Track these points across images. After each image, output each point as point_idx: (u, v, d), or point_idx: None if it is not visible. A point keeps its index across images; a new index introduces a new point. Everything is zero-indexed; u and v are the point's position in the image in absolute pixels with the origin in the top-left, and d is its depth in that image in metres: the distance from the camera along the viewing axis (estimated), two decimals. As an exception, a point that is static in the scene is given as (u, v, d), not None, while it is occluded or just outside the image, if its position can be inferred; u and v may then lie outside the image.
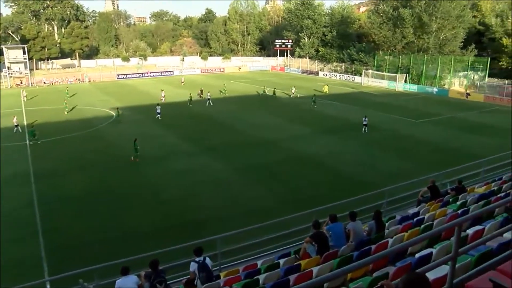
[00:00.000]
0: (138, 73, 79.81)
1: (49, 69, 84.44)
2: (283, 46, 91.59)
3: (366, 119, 34.13)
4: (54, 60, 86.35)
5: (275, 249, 12.59)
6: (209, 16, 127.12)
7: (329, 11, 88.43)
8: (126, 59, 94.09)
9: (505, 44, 57.54)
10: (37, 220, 18.39)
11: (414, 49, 66.48)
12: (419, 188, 15.53)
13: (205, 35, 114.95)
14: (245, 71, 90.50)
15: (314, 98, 46.20)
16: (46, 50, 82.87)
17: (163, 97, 49.38)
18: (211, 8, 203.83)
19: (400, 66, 64.25)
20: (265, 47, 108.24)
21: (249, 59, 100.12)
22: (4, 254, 15.03)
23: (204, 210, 19.46)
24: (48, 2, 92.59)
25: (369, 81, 66.00)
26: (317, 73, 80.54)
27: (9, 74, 67.80)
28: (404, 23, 64.71)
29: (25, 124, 36.52)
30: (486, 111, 44.31)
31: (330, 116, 40.80)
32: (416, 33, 65.60)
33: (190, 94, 47.79)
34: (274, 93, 53.13)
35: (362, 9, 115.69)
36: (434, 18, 61.95)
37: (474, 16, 66.90)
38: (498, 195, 12.58)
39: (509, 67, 58.08)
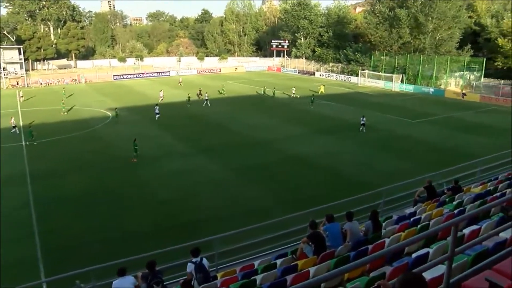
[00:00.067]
0: (134, 74, 79.71)
1: (45, 69, 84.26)
2: (280, 46, 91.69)
3: (364, 118, 34.22)
4: (50, 61, 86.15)
5: (272, 250, 12.58)
6: (205, 16, 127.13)
7: (326, 12, 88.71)
8: (122, 59, 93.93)
9: (500, 44, 57.77)
10: (34, 221, 18.32)
11: (410, 49, 66.65)
12: (416, 188, 15.55)
13: (202, 36, 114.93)
14: (241, 71, 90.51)
15: (313, 98, 46.54)
16: (42, 50, 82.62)
17: (162, 97, 49.37)
18: (208, 8, 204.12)
19: (396, 66, 64.42)
20: (261, 48, 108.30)
21: (246, 59, 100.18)
22: (0, 255, 14.98)
23: (202, 211, 19.44)
24: (44, 2, 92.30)
25: (366, 81, 66.13)
26: (314, 74, 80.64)
27: (4, 75, 67.52)
28: (400, 24, 64.88)
29: (21, 125, 36.38)
30: (482, 111, 44.48)
31: (327, 117, 40.85)
32: (412, 33, 65.78)
33: (188, 94, 47.76)
34: (273, 93, 53.36)
35: (359, 9, 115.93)
36: (430, 18, 62.12)
37: (470, 17, 67.15)
38: (494, 195, 12.62)
39: (505, 67, 58.33)
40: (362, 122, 34.08)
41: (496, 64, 59.44)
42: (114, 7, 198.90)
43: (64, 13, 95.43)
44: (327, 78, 75.80)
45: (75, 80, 73.08)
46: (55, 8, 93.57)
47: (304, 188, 22.01)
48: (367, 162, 26.24)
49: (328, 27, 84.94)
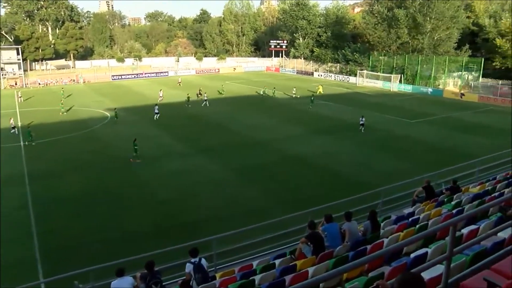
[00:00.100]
0: (133, 74, 79.62)
1: (43, 70, 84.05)
2: (278, 46, 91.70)
3: (363, 118, 34.26)
4: (48, 61, 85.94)
5: (270, 250, 12.59)
6: (204, 16, 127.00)
7: (324, 12, 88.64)
8: (121, 60, 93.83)
9: (498, 44, 57.83)
10: (32, 222, 18.30)
11: (409, 49, 66.71)
12: (414, 188, 15.58)
13: (200, 36, 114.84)
14: (240, 71, 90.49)
15: (312, 99, 46.71)
16: (40, 51, 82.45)
17: (161, 96, 49.36)
18: (206, 8, 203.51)
19: (394, 66, 64.47)
20: (260, 48, 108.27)
21: (244, 59, 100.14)
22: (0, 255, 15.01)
23: (201, 211, 19.45)
24: (42, 2, 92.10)
25: (364, 81, 66.16)
26: (312, 74, 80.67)
27: (2, 75, 67.41)
28: (398, 24, 64.93)
29: (20, 125, 36.31)
30: (480, 111, 44.55)
31: (326, 117, 40.88)
32: (411, 33, 65.84)
33: (188, 94, 47.76)
34: (273, 93, 53.57)
35: (357, 9, 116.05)
36: (428, 18, 62.19)
37: (468, 17, 67.22)
38: (492, 195, 12.65)
39: (503, 68, 58.40)
40: (361, 122, 34.13)
41: (494, 64, 59.51)
42: (112, 7, 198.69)
43: (62, 13, 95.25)
44: (326, 78, 75.83)
45: (74, 80, 72.98)
46: (53, 8, 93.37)
47: (303, 188, 22.02)
48: (366, 162, 26.26)
49: (327, 27, 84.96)
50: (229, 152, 28.99)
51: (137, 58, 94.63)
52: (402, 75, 62.45)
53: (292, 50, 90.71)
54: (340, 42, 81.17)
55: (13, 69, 69.98)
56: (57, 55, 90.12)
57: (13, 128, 34.28)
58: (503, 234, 6.68)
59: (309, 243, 9.80)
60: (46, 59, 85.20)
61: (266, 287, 7.84)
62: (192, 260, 9.27)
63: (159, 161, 26.79)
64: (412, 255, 7.80)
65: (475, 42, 65.88)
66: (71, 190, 21.95)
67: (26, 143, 30.80)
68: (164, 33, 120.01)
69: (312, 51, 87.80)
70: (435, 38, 64.16)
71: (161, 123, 37.78)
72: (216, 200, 20.63)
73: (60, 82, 70.67)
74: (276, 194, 21.44)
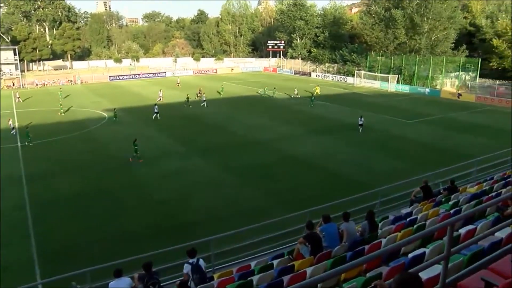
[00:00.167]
0: (130, 75, 79.53)
1: (40, 70, 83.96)
2: (276, 47, 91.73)
3: (362, 119, 34.31)
4: (45, 62, 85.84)
5: (268, 250, 12.60)
6: (201, 17, 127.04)
7: (321, 12, 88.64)
8: (118, 60, 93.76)
9: (495, 45, 58.02)
10: (29, 222, 18.25)
11: (406, 49, 66.83)
12: (412, 188, 15.62)
13: (198, 36, 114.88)
14: (237, 72, 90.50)
15: (312, 99, 46.99)
16: (37, 51, 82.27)
17: (161, 96, 49.38)
18: (204, 9, 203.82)
19: (392, 66, 64.56)
20: (257, 48, 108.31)
21: (242, 60, 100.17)
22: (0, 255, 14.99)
23: (200, 211, 19.43)
24: (39, 3, 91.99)
25: (362, 81, 66.25)
26: (310, 74, 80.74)
27: (0, 75, 67.24)
28: (396, 24, 65.04)
29: (17, 126, 36.19)
30: (477, 111, 44.66)
31: (324, 117, 40.91)
32: (408, 34, 65.97)
33: (187, 95, 47.73)
34: (273, 93, 53.76)
35: (354, 10, 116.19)
36: (425, 19, 62.33)
37: (465, 17, 67.44)
38: (490, 195, 12.69)
39: (500, 68, 58.59)
40: (360, 123, 34.19)
41: (491, 64, 59.68)
42: (109, 8, 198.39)
43: (59, 13, 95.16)
44: (323, 78, 75.89)
45: (71, 81, 72.86)
46: (50, 9, 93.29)
47: (302, 188, 22.01)
48: (364, 162, 26.28)
49: (324, 27, 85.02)
50: (229, 152, 28.98)
51: (135, 59, 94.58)
52: (399, 75, 62.57)
53: (290, 50, 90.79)
54: (338, 42, 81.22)
55: (10, 69, 69.79)
56: (55, 56, 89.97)
57: (13, 129, 34.25)
58: (500, 234, 6.70)
59: (307, 244, 9.81)
60: (43, 60, 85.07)
61: (264, 287, 7.84)
62: (190, 260, 9.27)
63: (158, 161, 26.76)
64: (410, 255, 7.82)
65: (472, 42, 66.06)
66: (69, 191, 21.89)
67: (26, 143, 30.72)
68: (162, 34, 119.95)
69: (309, 52, 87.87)
70: (433, 38, 64.32)
71: (160, 123, 37.78)
72: (215, 200, 20.61)
73: (57, 82, 70.50)
74: (276, 194, 21.43)
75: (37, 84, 68.80)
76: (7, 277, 13.83)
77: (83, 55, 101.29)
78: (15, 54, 70.65)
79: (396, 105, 48.04)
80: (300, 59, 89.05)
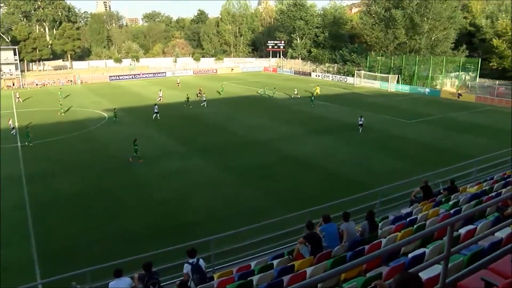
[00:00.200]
0: (130, 75, 79.54)
1: (40, 70, 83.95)
2: (276, 47, 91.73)
3: (362, 119, 34.33)
4: (45, 62, 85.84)
5: (268, 250, 12.60)
6: (201, 17, 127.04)
7: (321, 12, 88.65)
8: (118, 60, 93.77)
9: (495, 45, 58.02)
10: (29, 222, 18.25)
11: (406, 49, 66.83)
12: (412, 188, 15.61)
13: (198, 36, 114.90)
14: (237, 72, 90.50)
15: (312, 99, 47.14)
16: (37, 51, 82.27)
17: (161, 96, 49.42)
18: (204, 9, 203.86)
19: (392, 66, 64.56)
20: (257, 48, 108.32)
21: (242, 60, 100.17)
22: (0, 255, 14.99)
23: (200, 211, 19.43)
24: (39, 3, 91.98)
25: (362, 81, 66.25)
26: (310, 74, 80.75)
27: (0, 75, 67.24)
28: (396, 24, 65.05)
29: (17, 126, 36.18)
30: (477, 111, 44.67)
31: (324, 117, 40.91)
32: (408, 34, 65.97)
33: (187, 95, 47.73)
34: (273, 94, 53.90)
35: (354, 10, 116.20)
36: (425, 19, 62.33)
37: (465, 17, 67.46)
38: (490, 195, 12.69)
39: (500, 68, 58.60)
40: (360, 123, 34.22)
41: (491, 64, 59.69)
42: (109, 8, 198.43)
43: (59, 13, 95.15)
44: (323, 78, 75.89)
45: (71, 81, 72.85)
46: (50, 9, 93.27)
47: (302, 188, 22.01)
48: (364, 162, 26.28)
49: (324, 27, 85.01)
50: (229, 152, 28.99)
51: (135, 59, 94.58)
52: (399, 75, 62.57)
53: (290, 50, 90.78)
54: (338, 42, 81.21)
55: (10, 69, 69.79)
56: (54, 56, 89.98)
57: (13, 129, 34.27)
58: (500, 234, 6.70)
59: (307, 244, 9.81)
60: (43, 60, 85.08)
61: (264, 287, 7.84)
62: (190, 260, 9.27)
63: (158, 161, 26.75)
64: (410, 255, 7.82)
65: (472, 42, 66.07)
66: (69, 191, 21.88)
67: (26, 143, 30.73)
68: (162, 34, 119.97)
69: (309, 52, 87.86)
70: (433, 38, 64.33)
71: (160, 123, 37.79)
72: (215, 200, 20.61)
73: (57, 82, 70.50)
74: (276, 194, 21.43)
75: (37, 84, 68.80)
76: (7, 277, 13.83)
77: (83, 55, 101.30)
78: (15, 54, 70.66)
79: (396, 105, 48.04)
80: (300, 59, 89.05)
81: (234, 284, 8.53)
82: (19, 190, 22.18)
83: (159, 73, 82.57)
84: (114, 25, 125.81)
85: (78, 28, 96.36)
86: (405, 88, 60.25)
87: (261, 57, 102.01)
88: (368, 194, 16.07)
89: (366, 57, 70.14)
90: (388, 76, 61.84)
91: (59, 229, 17.71)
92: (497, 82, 52.74)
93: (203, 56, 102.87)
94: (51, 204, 20.35)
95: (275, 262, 10.06)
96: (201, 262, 9.37)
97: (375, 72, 65.79)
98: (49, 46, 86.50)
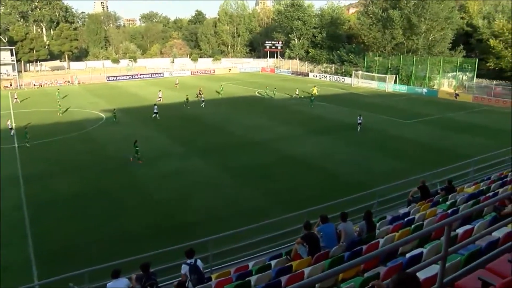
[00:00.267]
0: (128, 75, 79.44)
1: (37, 71, 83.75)
2: (273, 47, 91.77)
3: (361, 118, 34.45)
4: (42, 62, 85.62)
5: (266, 251, 12.60)
6: (199, 17, 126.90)
7: (319, 13, 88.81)
8: (116, 61, 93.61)
9: (492, 45, 58.17)
10: (27, 223, 18.19)
11: (404, 50, 66.99)
12: (410, 188, 15.62)
13: (195, 37, 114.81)
14: (235, 72, 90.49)
15: (312, 98, 47.34)
16: (34, 51, 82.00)
17: (160, 97, 49.37)
18: (201, 9, 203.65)
19: (389, 67, 64.68)
20: (255, 49, 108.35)
21: (239, 60, 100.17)
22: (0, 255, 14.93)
23: (199, 211, 19.41)
24: (36, 3, 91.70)
25: (359, 82, 66.34)
26: (307, 74, 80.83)
27: (-1, 76, 67.15)
28: (393, 24, 65.19)
29: (14, 126, 36.09)
30: (475, 111, 44.79)
31: (322, 117, 40.95)
32: (405, 34, 66.14)
33: (186, 96, 47.69)
34: (274, 94, 53.99)
35: (352, 10, 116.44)
36: (423, 19, 62.51)
37: (462, 18, 67.68)
38: (487, 195, 12.71)
39: (497, 68, 58.76)
40: (359, 121, 34.37)
41: (488, 64, 59.85)
42: (107, 8, 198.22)
43: (56, 14, 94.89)
44: (321, 79, 75.96)
45: (68, 81, 72.71)
46: (47, 9, 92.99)
47: (301, 188, 22.00)
48: (363, 163, 26.31)
49: (322, 28, 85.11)
50: (228, 152, 28.99)
51: (132, 59, 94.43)
52: (397, 75, 62.67)
53: (287, 50, 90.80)
54: (335, 42, 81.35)
55: (7, 70, 69.63)
56: (52, 56, 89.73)
57: (11, 129, 34.20)
58: (497, 234, 6.71)
59: (304, 244, 9.80)
60: (40, 60, 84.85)
61: (262, 288, 7.84)
62: (188, 261, 9.25)
63: (158, 162, 26.71)
64: (408, 255, 7.82)
65: (469, 42, 66.28)
66: (67, 191, 21.82)
67: (26, 144, 30.63)
68: (159, 34, 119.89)
69: (307, 52, 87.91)
70: (430, 38, 64.50)
71: (159, 124, 37.76)
72: (215, 200, 20.60)
73: (54, 83, 70.32)
74: (275, 194, 21.43)
75: (34, 85, 68.65)
76: (7, 277, 13.80)
77: (81, 55, 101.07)
78: (12, 55, 70.50)
79: (393, 105, 48.12)
80: (297, 59, 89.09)
81: (232, 284, 8.52)
82: (16, 190, 22.09)
83: (157, 73, 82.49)
84: (111, 25, 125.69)
85: (75, 29, 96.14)
86: (402, 88, 60.35)
87: (259, 57, 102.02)
88: (366, 194, 16.07)
89: (364, 58, 70.27)
90: (386, 77, 61.94)
91: (57, 229, 17.67)
92: (494, 82, 52.90)
93: (200, 57, 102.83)
94: (49, 204, 20.29)
95: (273, 262, 10.07)
96: (199, 262, 9.36)
97: (372, 73, 65.89)
98: (46, 47, 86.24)
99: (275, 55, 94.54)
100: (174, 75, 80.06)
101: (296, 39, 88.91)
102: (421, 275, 4.88)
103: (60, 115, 42.09)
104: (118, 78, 77.14)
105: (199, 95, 49.97)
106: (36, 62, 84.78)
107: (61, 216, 19.00)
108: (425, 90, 57.66)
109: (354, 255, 8.56)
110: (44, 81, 70.92)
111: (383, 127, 36.11)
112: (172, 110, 44.33)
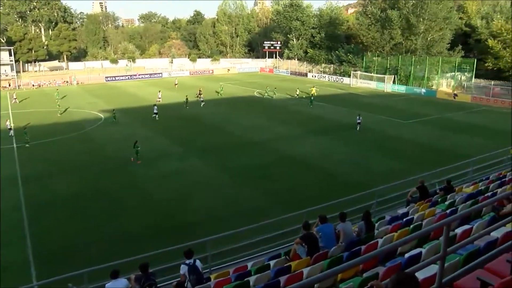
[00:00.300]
0: (126, 75, 79.38)
1: (36, 71, 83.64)
2: (272, 47, 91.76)
3: (360, 117, 34.51)
4: (41, 62, 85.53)
5: (265, 251, 12.60)
6: (197, 18, 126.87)
7: (318, 13, 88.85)
8: (114, 61, 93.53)
9: (490, 45, 58.27)
10: (25, 224, 18.16)
11: (402, 50, 67.05)
12: (408, 189, 15.64)
13: (194, 37, 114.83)
14: (234, 72, 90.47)
15: (312, 99, 47.40)
16: (33, 52, 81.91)
17: (160, 98, 49.37)
18: (200, 9, 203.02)
19: (388, 67, 64.72)
20: (254, 49, 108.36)
21: (238, 60, 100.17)
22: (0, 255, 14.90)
23: (199, 211, 19.40)
24: (35, 3, 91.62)
25: (358, 82, 66.37)
26: (306, 75, 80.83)
27: (-4, 76, 67.02)
28: (392, 25, 65.24)
29: (13, 126, 36.00)
30: (473, 111, 44.84)
31: (321, 117, 40.96)
32: (404, 34, 66.20)
33: (186, 96, 47.67)
34: (274, 94, 54.03)
35: (351, 10, 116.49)
36: (421, 19, 62.59)
37: (460, 18, 67.77)
38: (486, 195, 12.73)
39: (495, 68, 58.87)
40: (358, 121, 34.45)
41: (486, 65, 59.96)
42: (106, 8, 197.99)
43: (55, 14, 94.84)
44: (320, 79, 75.98)
45: (67, 82, 72.58)
46: (46, 9, 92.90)
47: (300, 188, 22.00)
48: (361, 163, 26.33)
49: (320, 28, 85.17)
50: (227, 152, 28.97)
51: (131, 60, 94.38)
52: (395, 75, 62.71)
53: (286, 51, 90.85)
54: (334, 43, 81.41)
55: (5, 70, 69.49)
56: (50, 57, 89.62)
57: (9, 129, 34.16)
58: (496, 234, 6.73)
59: (303, 244, 9.81)
60: (39, 61, 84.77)
61: (261, 288, 7.84)
62: (187, 261, 9.26)
63: (157, 162, 26.69)
64: (406, 255, 7.83)
65: (467, 43, 66.37)
66: (66, 192, 21.79)
67: (26, 144, 30.60)
68: (158, 34, 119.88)
69: (306, 52, 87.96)
70: (428, 39, 64.58)
71: (159, 124, 37.74)
72: (215, 200, 20.59)
73: (53, 83, 70.20)
74: (274, 194, 21.43)
75: (33, 85, 68.55)
76: (6, 277, 13.78)
77: (79, 56, 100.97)
78: (10, 55, 70.38)
79: (392, 105, 48.16)
80: (296, 59, 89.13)
81: (231, 284, 8.53)
82: (15, 190, 22.05)
83: (155, 74, 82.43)
84: (110, 25, 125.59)
85: (74, 29, 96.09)
86: (401, 89, 60.41)
87: (258, 57, 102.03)
88: (365, 194, 16.08)
89: (362, 58, 70.32)
90: (384, 77, 61.98)
91: (57, 229, 17.65)
92: (492, 82, 53.03)
93: (199, 57, 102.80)
94: (49, 205, 20.26)
95: (271, 262, 10.07)
96: (198, 263, 9.37)
97: (371, 73, 65.92)
98: (45, 47, 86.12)
99: (274, 55, 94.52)
100: (173, 76, 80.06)
101: (294, 39, 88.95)
102: (420, 275, 4.89)
103: (59, 115, 42.09)
104: (116, 78, 77.07)
105: (198, 95, 49.96)
106: (35, 62, 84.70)
107: (60, 216, 18.99)
108: (423, 90, 57.71)
109: (353, 255, 8.56)
110: (43, 81, 70.82)
111: (381, 127, 36.13)
112: (171, 111, 44.30)
